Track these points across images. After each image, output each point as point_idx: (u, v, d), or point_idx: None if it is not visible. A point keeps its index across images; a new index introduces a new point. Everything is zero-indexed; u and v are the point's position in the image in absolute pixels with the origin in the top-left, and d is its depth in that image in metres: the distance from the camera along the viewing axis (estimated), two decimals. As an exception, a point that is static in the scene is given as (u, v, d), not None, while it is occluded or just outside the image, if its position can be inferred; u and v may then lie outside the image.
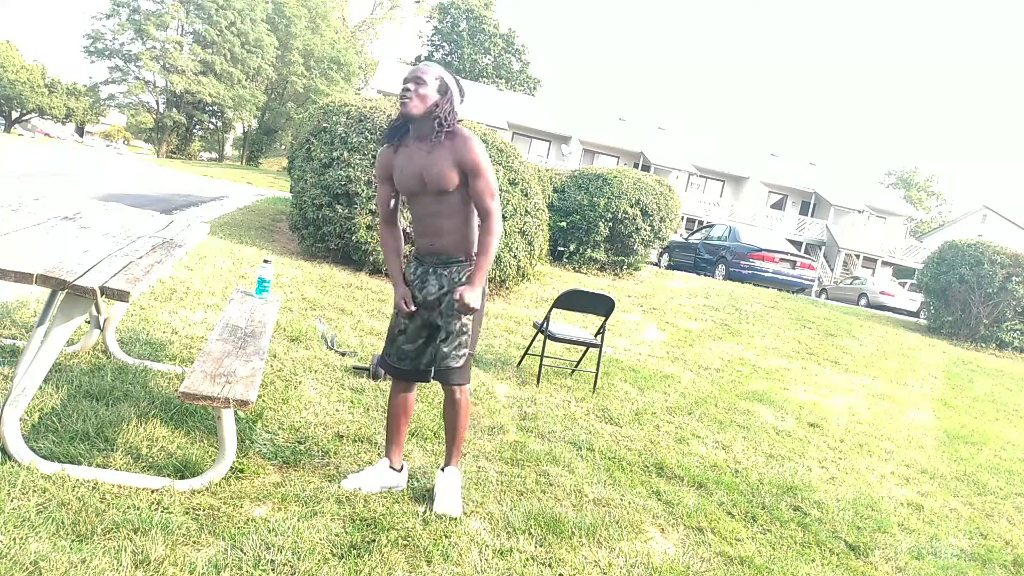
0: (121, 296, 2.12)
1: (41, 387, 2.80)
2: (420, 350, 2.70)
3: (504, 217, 7.26)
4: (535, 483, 3.10)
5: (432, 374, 2.72)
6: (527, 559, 2.43)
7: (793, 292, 14.51)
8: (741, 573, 2.70)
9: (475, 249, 2.63)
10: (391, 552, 2.28)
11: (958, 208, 55.14)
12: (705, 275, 14.86)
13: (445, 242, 2.60)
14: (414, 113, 2.48)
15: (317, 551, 2.19)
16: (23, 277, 2.04)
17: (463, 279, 2.62)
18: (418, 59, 46.42)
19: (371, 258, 7.11)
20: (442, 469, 2.79)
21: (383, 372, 4.04)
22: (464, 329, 2.63)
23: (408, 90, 2.49)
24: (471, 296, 2.51)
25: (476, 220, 2.63)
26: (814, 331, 9.39)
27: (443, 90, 2.54)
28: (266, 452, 2.85)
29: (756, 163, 33.93)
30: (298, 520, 2.34)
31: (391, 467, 2.78)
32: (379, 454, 3.05)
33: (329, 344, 4.52)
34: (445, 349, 2.62)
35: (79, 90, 51.17)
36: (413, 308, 2.66)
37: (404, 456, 3.09)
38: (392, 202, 2.71)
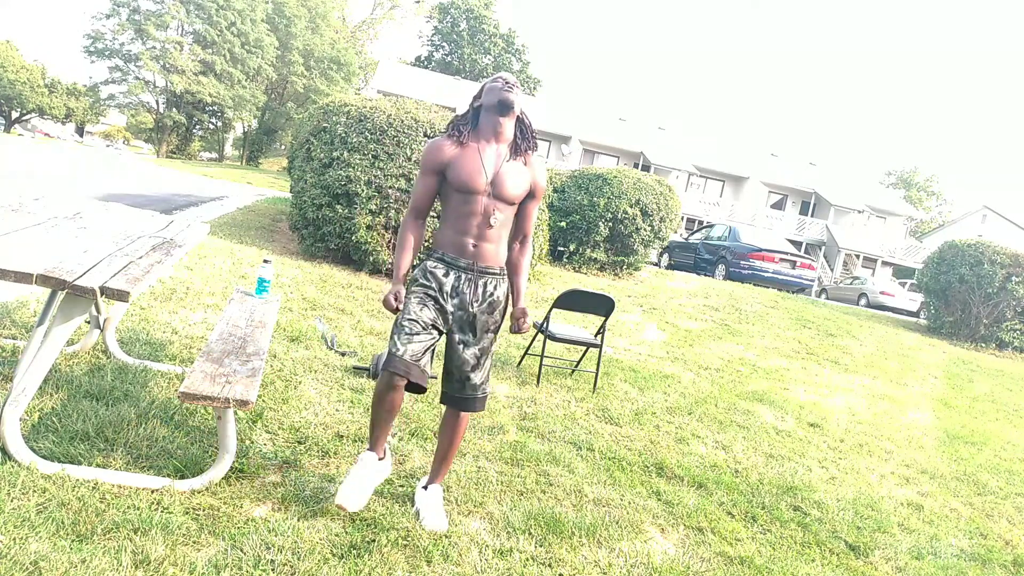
0: (121, 296, 2.12)
1: (41, 387, 2.80)
2: (428, 355, 2.46)
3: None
4: (535, 483, 3.10)
5: (454, 403, 2.58)
6: (527, 559, 2.43)
7: (793, 292, 14.51)
8: (741, 573, 2.70)
9: (504, 263, 2.57)
10: (391, 552, 2.28)
11: (958, 208, 55.21)
12: (705, 275, 14.85)
13: (489, 248, 2.48)
14: (516, 105, 2.46)
15: (317, 551, 2.19)
16: (23, 277, 2.04)
17: (500, 295, 2.54)
18: (418, 59, 46.44)
19: (371, 258, 7.11)
20: (424, 487, 2.66)
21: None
22: (492, 349, 2.58)
23: (511, 84, 2.47)
24: (529, 315, 2.56)
25: (508, 237, 2.61)
26: (814, 331, 9.39)
27: (521, 108, 2.55)
28: (266, 452, 2.85)
29: (756, 163, 33.93)
30: (298, 520, 2.34)
31: (380, 459, 2.59)
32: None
33: (329, 344, 4.52)
34: (478, 378, 2.53)
35: (79, 90, 51.19)
36: (400, 306, 2.44)
37: (404, 456, 3.10)
38: (433, 197, 2.55)
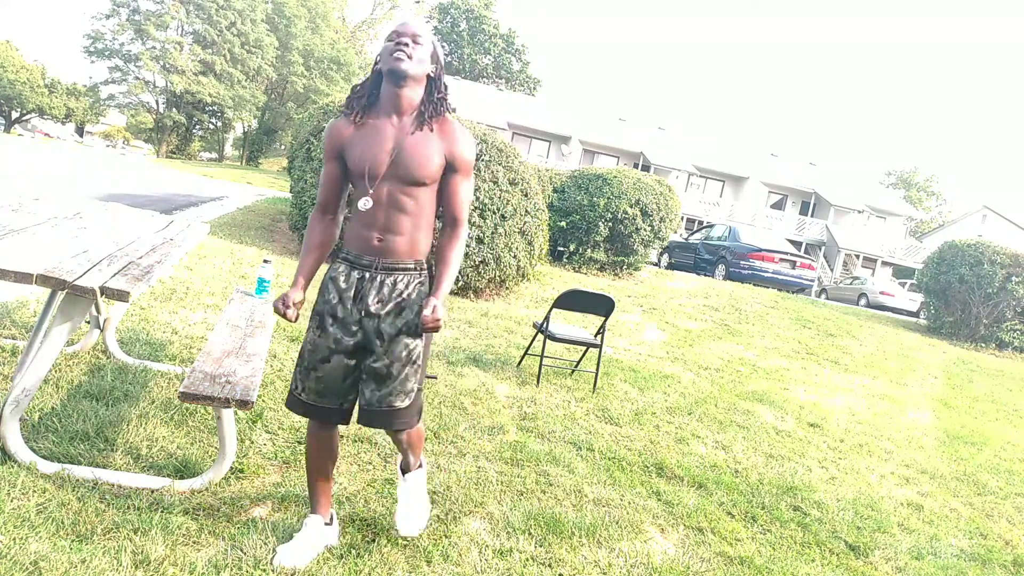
0: (121, 296, 2.12)
1: (41, 387, 2.80)
2: (347, 385, 2.12)
3: (504, 217, 7.26)
4: (535, 483, 3.10)
5: (359, 417, 2.14)
6: (527, 559, 2.43)
7: (793, 292, 14.51)
8: (741, 573, 2.70)
9: (425, 256, 2.15)
10: (391, 552, 2.28)
11: (958, 208, 55.24)
12: (705, 275, 14.86)
13: (398, 241, 2.07)
14: (409, 73, 2.01)
15: (317, 551, 2.19)
16: (23, 277, 2.04)
17: (414, 293, 2.10)
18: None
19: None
20: (403, 476, 2.38)
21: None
22: (414, 357, 2.11)
23: (406, 44, 2.01)
24: (441, 310, 1.98)
25: (432, 224, 2.16)
26: (814, 331, 9.39)
27: (435, 59, 2.11)
28: (266, 452, 2.85)
29: (756, 163, 33.92)
30: (298, 520, 2.34)
31: (326, 523, 2.25)
32: (379, 454, 3.05)
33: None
34: (385, 388, 2.08)
35: (79, 90, 51.23)
36: (292, 314, 2.09)
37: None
38: (339, 186, 2.17)
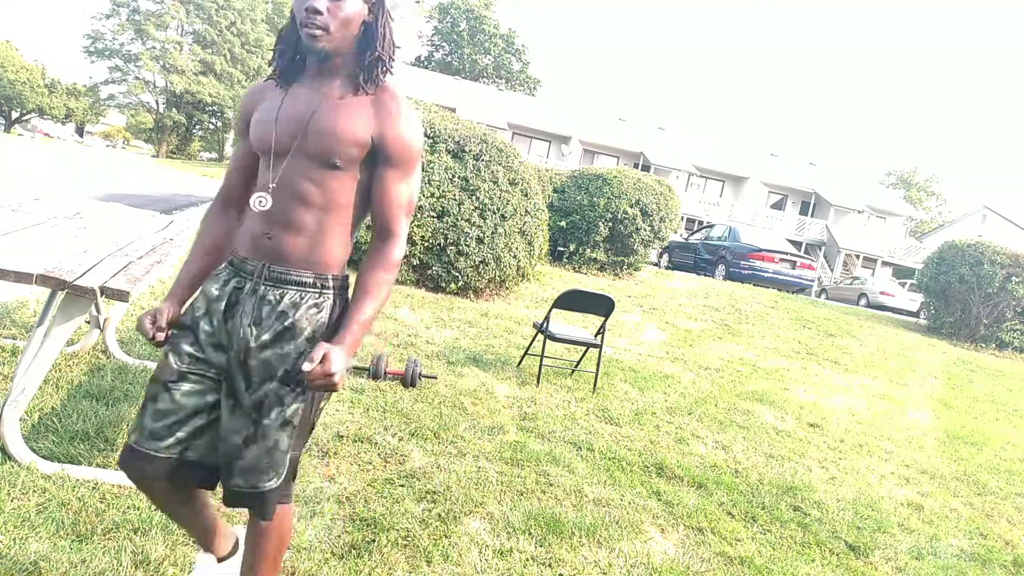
0: (121, 296, 2.12)
1: (41, 387, 2.80)
2: (192, 430, 1.51)
3: (504, 217, 7.26)
4: (535, 483, 3.10)
5: (225, 490, 1.53)
6: (527, 559, 2.43)
7: (793, 292, 14.51)
8: (741, 573, 2.71)
9: (336, 272, 1.54)
10: (391, 552, 2.28)
11: (958, 208, 55.25)
12: (705, 275, 14.86)
13: (293, 242, 1.49)
14: (328, 50, 1.46)
15: (317, 551, 2.19)
16: (23, 277, 2.04)
17: (300, 318, 1.49)
18: (418, 59, 46.46)
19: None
20: None
21: (384, 371, 4.03)
22: (288, 416, 1.49)
23: (317, 12, 1.42)
24: (339, 362, 1.38)
25: (348, 229, 1.54)
26: (814, 331, 9.39)
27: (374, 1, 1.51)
28: (266, 452, 2.85)
29: (756, 163, 33.94)
30: (298, 520, 2.34)
31: (219, 559, 1.78)
32: (379, 454, 3.05)
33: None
34: (254, 453, 1.49)
35: (79, 90, 51.31)
36: (160, 335, 1.53)
37: (404, 456, 3.09)
38: (246, 166, 1.61)
